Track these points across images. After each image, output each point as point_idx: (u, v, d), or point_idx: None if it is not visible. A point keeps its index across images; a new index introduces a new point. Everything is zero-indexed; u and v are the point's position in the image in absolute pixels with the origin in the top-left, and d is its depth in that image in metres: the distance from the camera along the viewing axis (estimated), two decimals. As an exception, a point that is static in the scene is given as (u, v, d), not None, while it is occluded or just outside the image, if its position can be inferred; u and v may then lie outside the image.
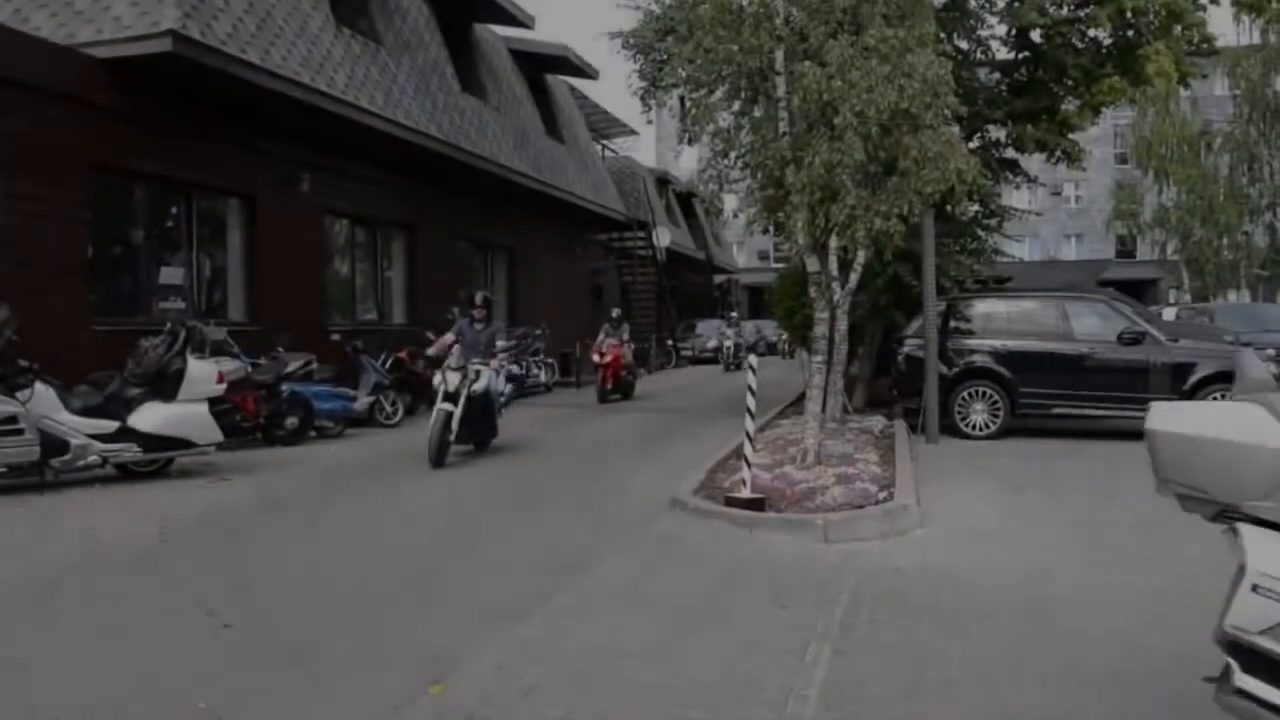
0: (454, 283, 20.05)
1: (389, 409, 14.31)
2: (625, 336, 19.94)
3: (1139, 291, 44.53)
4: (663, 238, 33.24)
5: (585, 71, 25.22)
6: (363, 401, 13.67)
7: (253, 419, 11.69)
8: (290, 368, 12.30)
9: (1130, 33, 14.83)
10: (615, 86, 70.19)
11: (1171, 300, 41.24)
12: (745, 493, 7.84)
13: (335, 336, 15.31)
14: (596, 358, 19.27)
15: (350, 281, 17.67)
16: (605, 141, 35.29)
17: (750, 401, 8.19)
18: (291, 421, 12.12)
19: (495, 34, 22.95)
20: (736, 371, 27.20)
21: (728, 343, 31.37)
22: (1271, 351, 14.18)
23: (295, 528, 7.67)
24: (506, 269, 23.66)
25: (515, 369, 18.70)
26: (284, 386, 12.08)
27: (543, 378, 20.26)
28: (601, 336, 19.66)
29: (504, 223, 22.74)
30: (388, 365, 14.83)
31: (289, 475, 9.98)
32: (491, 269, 23.12)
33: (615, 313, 20.76)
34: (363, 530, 7.63)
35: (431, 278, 19.18)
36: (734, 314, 36.45)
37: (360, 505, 8.58)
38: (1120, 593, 5.82)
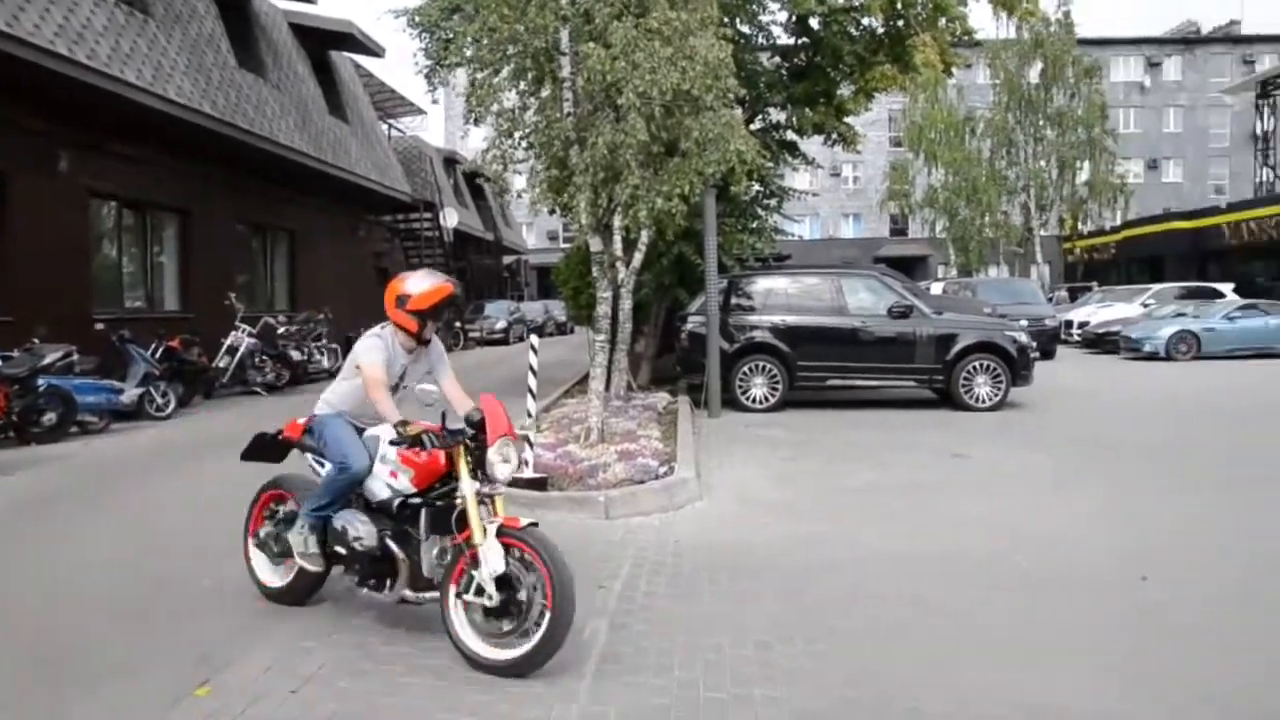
0: (231, 267, 19.19)
1: (160, 400, 13.50)
2: None
3: (911, 267, 47.36)
4: (450, 219, 32.77)
5: (370, 49, 24.55)
6: (130, 393, 12.82)
7: (3, 416, 10.88)
8: (48, 360, 11.47)
9: (901, 23, 15.76)
10: (403, 65, 68.70)
11: (940, 275, 43.96)
12: (527, 473, 7.85)
13: (100, 326, 14.33)
14: None
15: (117, 268, 16.59)
16: (392, 121, 34.47)
17: (531, 381, 8.20)
18: (50, 417, 11.28)
19: (275, 7, 22.05)
20: None
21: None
22: (1024, 322, 15.39)
23: (55, 531, 7.16)
24: (287, 252, 22.76)
25: (296, 354, 18.08)
26: (41, 380, 11.26)
27: (325, 363, 19.53)
28: None
29: (284, 204, 21.89)
30: (158, 355, 13.99)
31: (46, 475, 9.32)
32: (271, 252, 22.21)
33: None
34: (126, 533, 7.19)
35: (207, 262, 18.27)
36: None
37: (124, 506, 8.08)
38: (885, 554, 6.17)
